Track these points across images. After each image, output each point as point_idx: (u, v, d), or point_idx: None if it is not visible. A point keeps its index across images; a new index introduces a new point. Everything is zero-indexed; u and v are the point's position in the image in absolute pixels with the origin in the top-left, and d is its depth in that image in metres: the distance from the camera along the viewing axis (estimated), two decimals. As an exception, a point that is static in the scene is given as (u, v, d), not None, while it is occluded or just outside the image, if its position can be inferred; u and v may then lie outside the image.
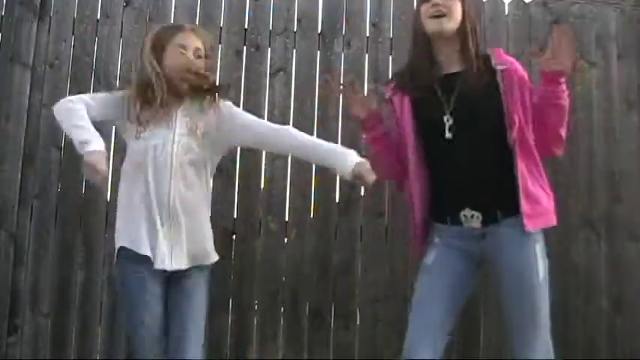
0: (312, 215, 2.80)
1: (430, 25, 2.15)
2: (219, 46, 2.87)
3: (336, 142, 2.79)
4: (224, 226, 2.74)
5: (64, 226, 2.71)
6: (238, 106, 2.82)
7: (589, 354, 2.79)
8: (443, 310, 2.10)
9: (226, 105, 2.30)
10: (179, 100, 2.20)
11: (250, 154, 2.81)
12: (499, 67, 2.13)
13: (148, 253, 2.07)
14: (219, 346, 2.70)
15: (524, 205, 2.05)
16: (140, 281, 2.07)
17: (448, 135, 2.11)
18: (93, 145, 2.05)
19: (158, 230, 2.10)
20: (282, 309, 2.76)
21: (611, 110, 2.97)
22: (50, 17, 2.84)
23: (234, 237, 2.77)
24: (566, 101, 2.13)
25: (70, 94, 2.76)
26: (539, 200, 2.10)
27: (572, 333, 2.80)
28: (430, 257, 2.16)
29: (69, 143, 2.73)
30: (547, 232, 2.83)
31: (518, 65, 2.20)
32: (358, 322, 2.74)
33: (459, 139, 2.11)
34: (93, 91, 2.78)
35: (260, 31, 2.90)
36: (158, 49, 2.19)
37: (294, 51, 2.90)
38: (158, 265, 2.08)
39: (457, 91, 2.12)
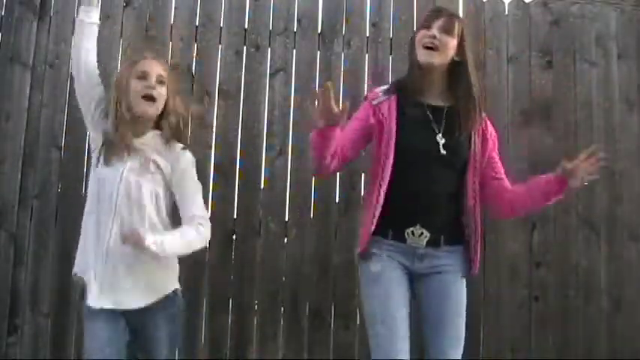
0: (312, 215, 2.80)
1: (420, 56, 2.18)
2: (220, 46, 2.87)
3: (336, 142, 2.81)
4: (224, 226, 2.75)
5: (64, 226, 2.70)
6: (238, 105, 2.84)
7: (589, 354, 2.79)
8: (405, 316, 2.12)
9: (185, 156, 2.23)
10: (138, 133, 2.18)
11: (250, 154, 2.81)
12: (482, 127, 2.23)
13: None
14: (219, 346, 2.71)
15: (478, 250, 2.19)
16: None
17: (443, 151, 2.16)
18: None
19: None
20: (282, 309, 2.76)
21: (611, 110, 2.97)
22: (50, 17, 2.84)
23: (234, 237, 2.77)
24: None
25: (69, 94, 2.77)
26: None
27: (572, 333, 2.80)
28: (376, 266, 2.15)
29: (69, 143, 2.75)
30: (547, 232, 2.86)
31: (495, 140, 2.30)
32: (358, 322, 2.74)
33: (440, 176, 2.17)
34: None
35: (260, 31, 2.90)
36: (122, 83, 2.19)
37: (294, 51, 2.90)
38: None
39: (445, 123, 2.18)
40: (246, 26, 2.90)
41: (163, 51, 2.83)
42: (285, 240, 2.79)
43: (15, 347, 2.64)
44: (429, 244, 2.14)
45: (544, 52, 2.98)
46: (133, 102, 2.15)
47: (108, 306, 2.06)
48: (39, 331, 2.65)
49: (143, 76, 2.17)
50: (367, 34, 2.93)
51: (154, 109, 2.17)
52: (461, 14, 2.96)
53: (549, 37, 3.00)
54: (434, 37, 2.15)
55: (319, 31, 2.92)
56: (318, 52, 2.90)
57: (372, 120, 2.20)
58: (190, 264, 2.71)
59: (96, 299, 2.07)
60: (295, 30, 2.91)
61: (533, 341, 2.78)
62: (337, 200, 2.81)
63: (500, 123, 2.88)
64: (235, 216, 2.77)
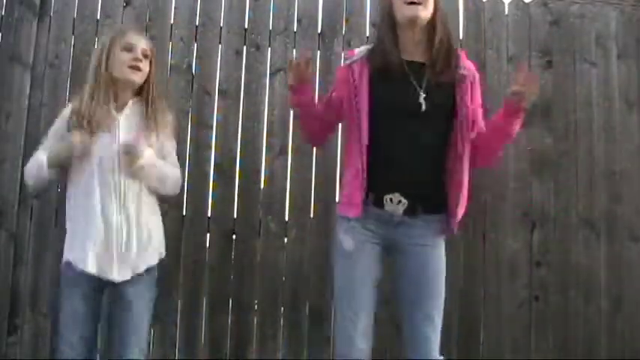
0: (312, 215, 2.80)
1: (407, 12, 2.13)
2: (220, 46, 2.87)
3: (337, 142, 2.81)
4: (224, 226, 2.75)
5: (64, 226, 2.69)
6: (238, 105, 2.84)
7: (589, 354, 2.79)
8: (368, 295, 2.12)
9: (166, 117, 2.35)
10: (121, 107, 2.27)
11: (250, 154, 2.81)
12: (461, 71, 2.18)
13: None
14: (219, 346, 2.70)
15: (459, 209, 2.15)
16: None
17: (424, 108, 2.11)
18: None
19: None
20: (282, 309, 2.76)
21: (611, 110, 2.97)
22: (50, 17, 2.84)
23: (234, 237, 2.77)
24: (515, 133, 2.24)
25: (69, 94, 2.78)
26: (464, 208, 2.19)
27: (572, 333, 2.80)
28: (349, 243, 2.15)
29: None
30: (547, 232, 2.86)
31: (477, 75, 2.25)
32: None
33: (421, 135, 2.13)
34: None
35: (260, 31, 2.90)
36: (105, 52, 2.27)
37: (294, 51, 2.89)
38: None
39: (426, 80, 2.14)
40: (246, 26, 2.90)
41: (163, 51, 2.84)
42: (285, 240, 2.79)
43: (15, 347, 2.64)
44: (406, 212, 2.12)
45: (544, 52, 2.98)
46: (117, 70, 2.24)
47: (94, 272, 2.11)
48: (39, 331, 2.65)
49: (129, 48, 2.27)
50: (367, 34, 2.93)
51: (138, 77, 2.27)
52: (461, 14, 2.97)
53: (549, 37, 3.00)
54: None
55: (319, 31, 2.92)
56: (318, 52, 2.90)
57: (350, 81, 2.18)
58: (190, 264, 2.72)
59: (89, 266, 2.11)
60: (295, 30, 2.91)
61: (533, 341, 2.78)
62: (337, 200, 2.81)
63: (500, 123, 2.90)
64: (235, 216, 2.77)
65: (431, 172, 2.16)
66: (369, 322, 2.10)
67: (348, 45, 2.90)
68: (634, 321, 2.84)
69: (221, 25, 2.89)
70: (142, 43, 2.30)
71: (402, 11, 2.14)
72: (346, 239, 2.15)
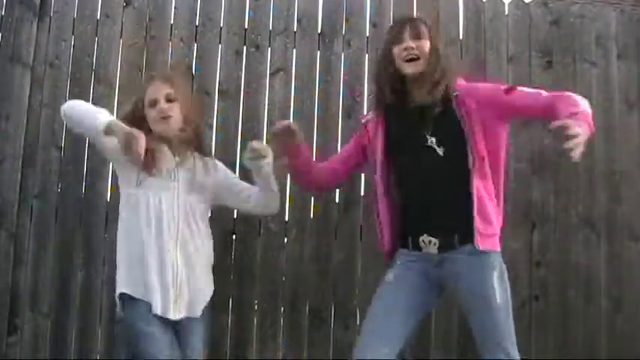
0: (312, 215, 2.80)
1: (406, 69, 2.24)
2: (220, 46, 2.87)
3: (337, 142, 2.81)
4: (224, 226, 2.74)
5: (63, 226, 2.71)
6: (238, 105, 2.84)
7: (589, 354, 2.79)
8: (397, 323, 2.15)
9: (215, 164, 2.41)
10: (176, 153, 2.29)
11: (250, 154, 2.81)
12: (454, 93, 2.22)
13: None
14: (219, 346, 2.70)
15: (478, 223, 2.12)
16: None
17: (440, 151, 2.18)
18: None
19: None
20: (282, 309, 2.76)
21: (611, 110, 2.97)
22: (50, 17, 2.84)
23: (234, 237, 2.77)
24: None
25: (69, 94, 2.78)
26: (491, 221, 2.17)
27: (572, 333, 2.80)
28: (390, 275, 2.23)
29: (69, 143, 2.75)
30: (547, 232, 2.86)
31: (467, 88, 2.25)
32: (358, 322, 2.74)
33: (434, 171, 2.19)
34: (93, 91, 2.79)
35: (260, 31, 2.90)
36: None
37: (294, 51, 2.90)
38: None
39: (432, 121, 2.20)
40: (246, 26, 2.90)
41: (163, 51, 2.84)
42: (285, 240, 2.79)
43: (15, 347, 2.63)
44: (441, 249, 2.16)
45: (544, 52, 2.98)
46: (153, 126, 2.26)
47: (172, 316, 2.16)
48: (39, 331, 2.65)
49: (154, 104, 2.26)
50: (367, 34, 2.93)
51: (172, 127, 2.26)
52: (461, 14, 2.97)
53: (549, 37, 3.00)
54: (410, 48, 2.22)
55: (319, 31, 2.92)
56: (318, 52, 2.90)
57: (365, 141, 2.34)
58: (190, 264, 2.72)
59: (160, 309, 2.14)
60: (295, 30, 2.91)
61: (533, 341, 2.78)
62: (337, 200, 2.81)
63: (500, 123, 2.90)
64: (235, 216, 2.77)
65: (458, 206, 2.15)
66: (393, 348, 2.11)
67: (348, 45, 2.90)
68: (634, 321, 2.84)
69: (221, 25, 2.89)
70: (163, 91, 2.28)
71: (403, 69, 2.24)
72: (389, 273, 2.24)
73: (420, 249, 2.19)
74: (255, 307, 2.76)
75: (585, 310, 2.82)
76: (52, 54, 2.81)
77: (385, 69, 2.29)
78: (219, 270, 2.71)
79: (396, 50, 2.25)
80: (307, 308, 2.76)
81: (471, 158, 2.15)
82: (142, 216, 2.19)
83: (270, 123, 2.83)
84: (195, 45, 2.87)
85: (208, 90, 2.84)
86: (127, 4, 2.86)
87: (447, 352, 2.75)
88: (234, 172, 2.77)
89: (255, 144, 2.26)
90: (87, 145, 2.75)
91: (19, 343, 2.64)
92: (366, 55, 2.91)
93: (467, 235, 2.12)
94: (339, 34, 2.92)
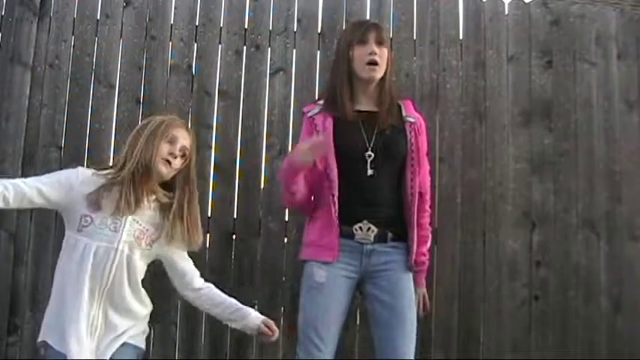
0: (312, 215, 2.79)
1: (365, 73, 2.30)
2: (220, 46, 2.87)
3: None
4: (224, 226, 2.75)
5: (63, 226, 2.70)
6: (238, 105, 2.84)
7: (589, 354, 2.78)
8: (336, 325, 2.25)
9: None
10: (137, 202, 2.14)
11: (250, 154, 2.81)
12: (409, 119, 2.36)
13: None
14: (219, 346, 2.70)
15: (414, 246, 2.30)
16: None
17: (370, 172, 2.27)
18: None
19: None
20: (282, 309, 2.76)
21: (611, 110, 2.97)
22: (50, 17, 2.84)
23: (234, 237, 2.77)
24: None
25: (70, 94, 2.78)
26: (424, 247, 2.38)
27: (572, 333, 2.80)
28: (321, 275, 2.25)
29: (69, 143, 2.75)
30: (547, 232, 2.86)
31: (422, 121, 2.42)
32: (358, 322, 2.74)
33: (376, 175, 2.27)
34: (93, 91, 2.80)
35: (260, 31, 2.90)
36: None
37: (294, 51, 2.90)
38: None
39: (376, 130, 2.30)
40: (246, 26, 2.90)
41: (163, 51, 2.84)
42: (285, 240, 2.78)
43: (15, 347, 2.64)
44: (376, 239, 2.24)
45: (544, 52, 2.98)
46: (153, 161, 2.14)
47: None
48: (39, 331, 2.64)
49: (172, 141, 2.19)
50: (367, 34, 2.93)
51: (168, 173, 2.18)
52: (461, 14, 2.97)
53: (549, 37, 2.99)
54: (374, 53, 2.28)
55: (319, 31, 2.92)
56: (318, 52, 2.90)
57: (314, 132, 2.33)
58: (190, 264, 2.72)
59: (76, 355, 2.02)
60: (295, 30, 2.91)
61: (533, 341, 2.78)
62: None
63: (500, 123, 2.90)
64: (235, 216, 2.77)
65: (392, 207, 2.30)
66: (333, 349, 2.22)
67: (348, 45, 2.90)
68: (634, 321, 2.84)
69: (221, 25, 2.89)
70: (183, 140, 2.21)
71: (362, 71, 2.30)
72: (318, 272, 2.26)
73: (352, 237, 2.26)
74: (255, 307, 2.75)
75: (585, 310, 2.82)
76: (52, 54, 2.81)
77: (339, 68, 2.34)
78: (219, 270, 2.73)
79: (357, 52, 2.29)
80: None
81: (408, 192, 2.29)
82: (74, 263, 2.08)
83: (270, 123, 2.84)
84: (195, 45, 2.87)
85: (208, 90, 2.84)
86: (127, 4, 2.86)
87: (447, 352, 2.75)
88: (235, 171, 2.79)
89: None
90: (87, 145, 2.76)
91: (19, 343, 2.64)
92: (366, 55, 2.91)
93: (400, 231, 2.31)
94: (339, 34, 2.92)
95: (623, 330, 2.83)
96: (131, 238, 2.13)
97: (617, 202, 2.90)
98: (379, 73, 2.31)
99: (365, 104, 2.35)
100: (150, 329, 2.31)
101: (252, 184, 2.80)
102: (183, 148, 2.20)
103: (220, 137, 2.82)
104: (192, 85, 2.83)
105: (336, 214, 2.24)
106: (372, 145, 2.28)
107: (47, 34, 2.82)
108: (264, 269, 2.76)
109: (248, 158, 2.81)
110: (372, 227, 2.25)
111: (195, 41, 2.87)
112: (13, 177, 2.66)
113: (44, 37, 2.81)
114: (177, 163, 2.19)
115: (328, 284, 2.24)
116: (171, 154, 2.17)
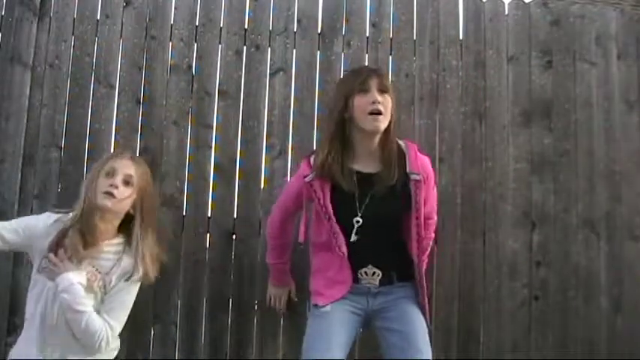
0: (312, 215, 2.79)
1: (368, 124, 2.16)
2: (220, 46, 2.87)
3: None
4: (224, 226, 2.75)
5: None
6: (238, 105, 2.84)
7: (589, 354, 2.78)
8: (340, 353, 2.16)
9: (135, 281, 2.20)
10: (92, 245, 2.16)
11: (250, 154, 2.81)
12: (413, 177, 2.21)
13: None
14: (219, 346, 2.70)
15: (424, 294, 2.28)
16: None
17: (353, 238, 2.19)
18: None
19: None
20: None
21: (611, 110, 2.97)
22: (50, 17, 2.84)
23: (234, 237, 2.77)
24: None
25: (70, 94, 2.78)
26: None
27: (572, 333, 2.80)
28: (326, 305, 2.23)
29: (69, 143, 2.75)
30: (547, 232, 2.86)
31: (429, 167, 2.33)
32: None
33: (363, 238, 2.20)
34: (93, 91, 2.79)
35: (260, 31, 2.90)
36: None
37: (294, 51, 2.90)
38: None
39: (371, 194, 2.19)
40: (246, 26, 2.90)
41: (163, 51, 2.84)
42: (285, 240, 2.78)
43: (15, 347, 2.63)
44: (382, 282, 2.21)
45: (544, 52, 2.98)
46: (95, 197, 2.14)
47: None
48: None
49: (110, 173, 2.17)
50: (367, 34, 2.93)
51: (114, 205, 2.14)
52: (461, 14, 2.97)
53: (549, 37, 2.99)
54: (377, 101, 2.15)
55: (319, 31, 2.92)
56: (318, 52, 2.90)
57: (305, 195, 2.26)
58: (190, 264, 2.72)
59: None
60: (295, 30, 2.91)
61: (533, 341, 2.78)
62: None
63: (500, 123, 2.90)
64: (235, 216, 2.77)
65: (395, 250, 2.26)
66: None
67: (348, 45, 2.90)
68: (634, 321, 2.83)
69: (221, 25, 2.89)
70: (125, 169, 2.18)
71: (364, 123, 2.16)
72: (325, 304, 2.24)
73: (357, 281, 2.24)
74: (255, 307, 2.75)
75: (585, 310, 2.82)
76: (52, 54, 2.81)
77: (335, 122, 2.21)
78: (219, 270, 2.73)
79: (358, 101, 2.17)
80: (307, 308, 2.75)
81: (413, 240, 2.24)
82: (32, 302, 2.14)
83: (270, 123, 2.84)
84: (195, 45, 2.87)
85: (208, 90, 2.84)
86: (127, 4, 2.86)
87: (447, 352, 2.75)
88: (235, 171, 2.79)
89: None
90: (87, 145, 2.76)
91: (19, 343, 2.64)
92: (366, 55, 2.91)
93: (405, 272, 2.29)
94: (339, 34, 2.92)
95: (623, 330, 2.83)
96: (82, 280, 2.11)
97: (617, 202, 2.89)
98: (383, 123, 2.17)
99: (364, 162, 2.24)
100: (150, 329, 2.31)
101: (252, 184, 2.80)
102: (126, 177, 2.18)
103: (220, 137, 2.82)
104: (192, 85, 2.83)
105: (348, 273, 2.23)
106: (362, 212, 2.19)
107: (47, 34, 2.82)
108: (264, 269, 2.75)
109: (248, 158, 2.81)
110: (377, 271, 2.22)
111: (196, 41, 2.87)
112: (13, 177, 2.70)
113: (44, 37, 2.82)
114: (122, 192, 2.16)
115: (333, 312, 2.21)
116: (111, 185, 2.15)
